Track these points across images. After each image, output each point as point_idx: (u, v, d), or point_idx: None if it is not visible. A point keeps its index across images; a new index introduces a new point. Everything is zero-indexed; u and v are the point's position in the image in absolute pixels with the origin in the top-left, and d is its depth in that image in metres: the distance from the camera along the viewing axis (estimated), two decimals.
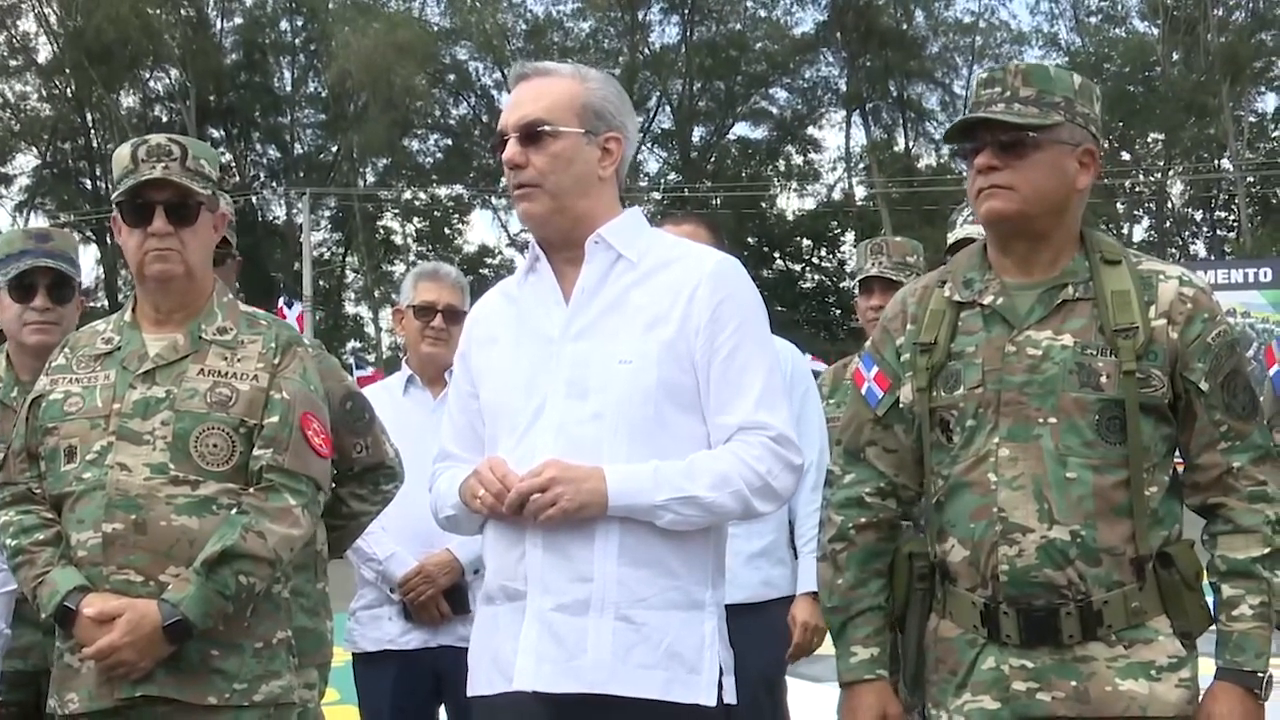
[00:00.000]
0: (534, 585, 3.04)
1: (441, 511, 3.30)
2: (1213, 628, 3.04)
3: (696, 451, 3.08)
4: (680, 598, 3.07)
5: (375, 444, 4.06)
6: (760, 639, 4.61)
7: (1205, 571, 3.05)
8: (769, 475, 3.08)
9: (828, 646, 4.19)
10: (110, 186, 3.66)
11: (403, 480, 4.18)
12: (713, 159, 56.48)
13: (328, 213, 55.35)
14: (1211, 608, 3.04)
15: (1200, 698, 3.01)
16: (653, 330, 3.09)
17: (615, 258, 3.16)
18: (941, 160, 52.72)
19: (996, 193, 3.04)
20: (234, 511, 3.42)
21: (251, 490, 3.47)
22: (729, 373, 3.10)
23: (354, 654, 4.90)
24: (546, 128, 3.12)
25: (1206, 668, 3.03)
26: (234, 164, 54.12)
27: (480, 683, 3.17)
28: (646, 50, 55.03)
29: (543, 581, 3.03)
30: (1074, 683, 2.97)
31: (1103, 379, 2.99)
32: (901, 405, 3.18)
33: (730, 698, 3.13)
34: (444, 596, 4.73)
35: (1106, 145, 49.69)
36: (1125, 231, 51.17)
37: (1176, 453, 3.11)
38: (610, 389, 3.06)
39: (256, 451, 3.48)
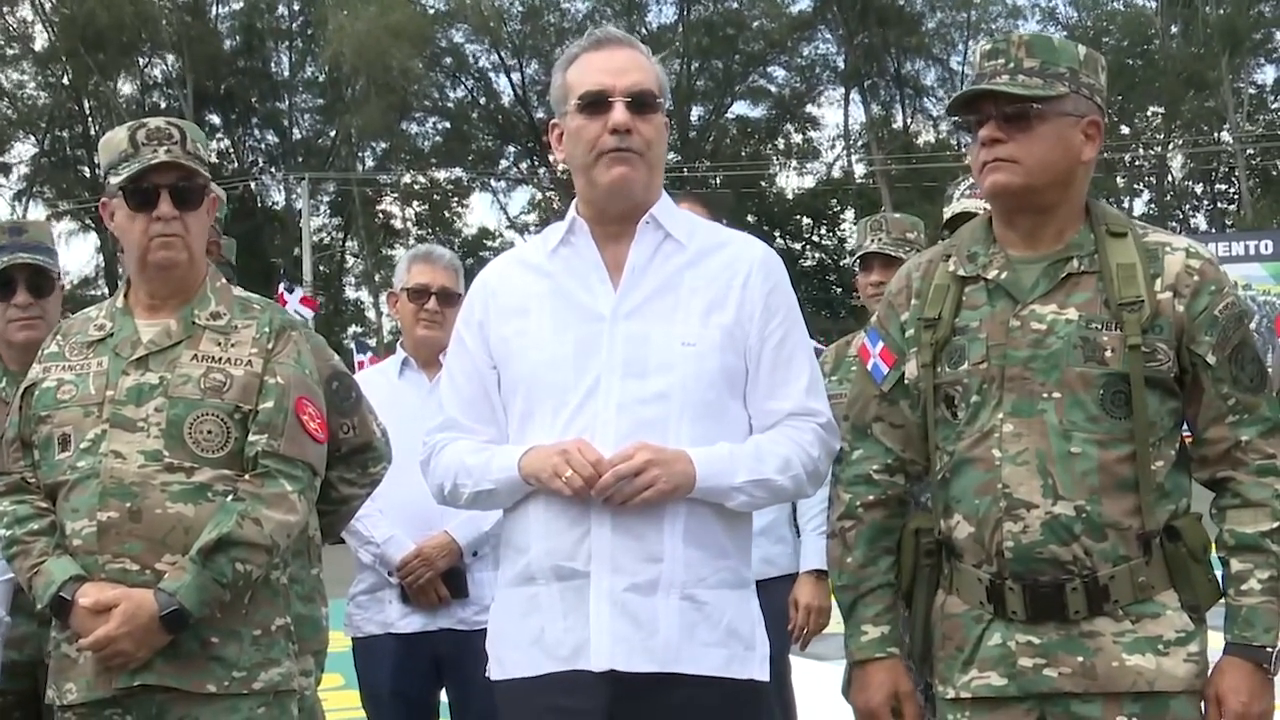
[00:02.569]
0: (600, 565, 3.03)
1: (477, 485, 3.19)
2: (1221, 602, 3.02)
3: (739, 435, 3.12)
4: (732, 577, 3.12)
5: (362, 424, 4.00)
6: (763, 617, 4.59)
7: (1214, 545, 3.03)
8: (819, 460, 3.16)
9: (832, 625, 4.17)
10: None
11: (390, 461, 4.13)
12: (711, 138, 56.46)
13: (327, 197, 55.40)
14: (1220, 582, 3.02)
15: (1209, 672, 2.99)
16: (712, 315, 3.12)
17: (663, 238, 3.17)
18: (940, 136, 52.79)
19: (1000, 166, 3.01)
20: (230, 498, 3.39)
21: (247, 476, 3.44)
22: (779, 360, 3.15)
23: (354, 638, 4.89)
24: (659, 100, 3.15)
25: (1217, 641, 3.00)
26: (232, 150, 54.10)
27: (517, 664, 3.14)
28: (644, 30, 54.87)
29: (612, 561, 3.03)
30: (1081, 658, 2.95)
31: (1107, 353, 2.96)
32: (907, 381, 3.16)
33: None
34: (442, 580, 4.71)
35: (1105, 119, 49.52)
36: (1126, 205, 51.14)
37: (1184, 426, 3.08)
38: (674, 370, 3.07)
39: (252, 437, 3.45)
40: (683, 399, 3.06)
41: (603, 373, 3.07)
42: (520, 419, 3.17)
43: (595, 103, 3.11)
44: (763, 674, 3.13)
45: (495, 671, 3.19)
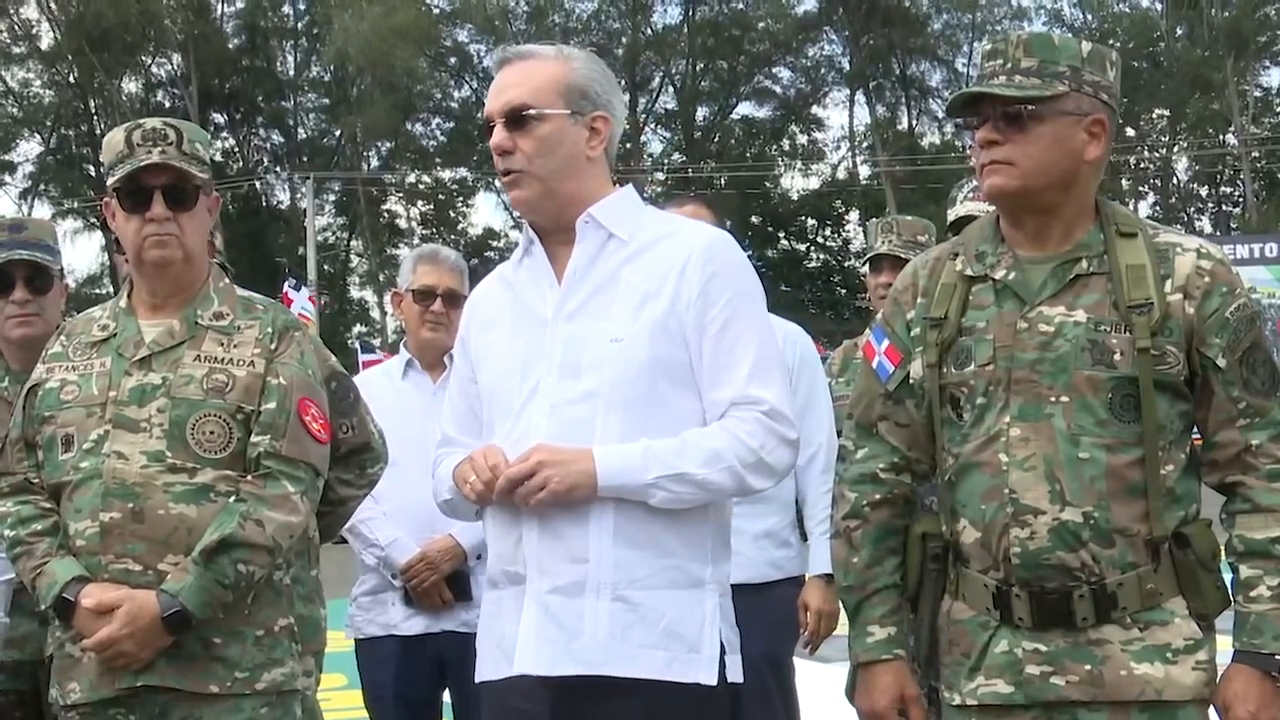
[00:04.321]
0: (531, 568, 3.03)
1: (440, 496, 3.30)
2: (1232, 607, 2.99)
3: (682, 427, 3.05)
4: (679, 576, 3.05)
5: (360, 424, 3.99)
6: (766, 620, 4.58)
7: (1223, 551, 2.99)
8: (762, 450, 3.05)
9: (838, 627, 4.15)
10: None
11: (387, 461, 4.12)
12: (716, 139, 56.51)
13: (332, 197, 55.43)
14: (1229, 588, 2.99)
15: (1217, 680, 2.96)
16: (644, 308, 3.07)
17: (606, 237, 3.14)
18: (945, 138, 52.76)
19: (997, 168, 2.98)
20: (232, 499, 3.39)
21: (249, 477, 3.43)
22: (720, 347, 3.07)
23: (356, 640, 4.88)
24: (531, 111, 3.09)
25: (1227, 645, 2.98)
26: (237, 149, 54.16)
27: (487, 668, 3.16)
28: (649, 30, 55.01)
29: (539, 564, 3.02)
30: (1088, 666, 2.92)
31: (1116, 356, 2.93)
32: (912, 380, 3.12)
33: (735, 676, 3.11)
34: (446, 582, 4.71)
35: (1117, 116, 49.55)
36: (1131, 208, 50.86)
37: (1194, 429, 3.04)
38: (602, 368, 3.04)
39: (254, 438, 3.45)
40: (609, 396, 3.03)
41: (542, 376, 3.09)
42: (487, 428, 3.21)
43: (488, 129, 3.15)
44: (710, 677, 3.03)
45: (476, 674, 3.22)
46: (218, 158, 50.98)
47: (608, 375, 3.03)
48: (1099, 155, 3.02)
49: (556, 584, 3.00)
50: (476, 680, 3.21)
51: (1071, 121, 2.98)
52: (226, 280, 3.69)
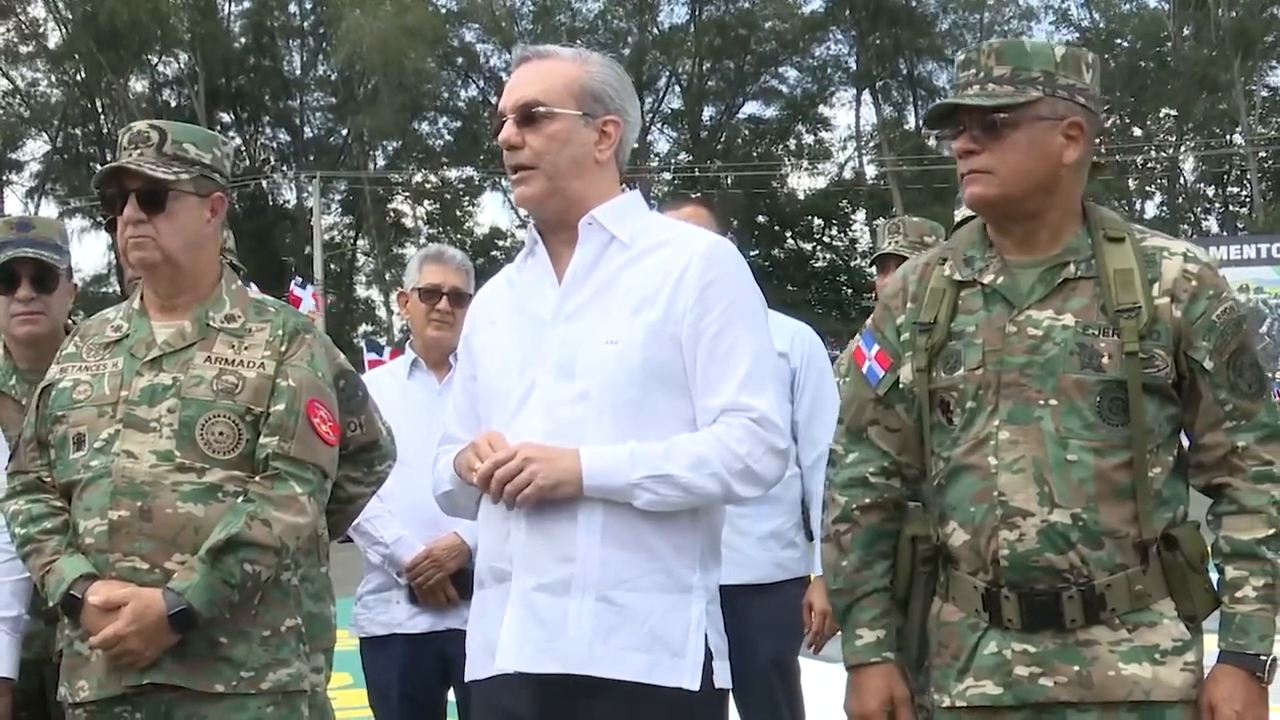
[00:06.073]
0: (518, 566, 3.05)
1: (439, 489, 3.33)
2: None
3: (672, 431, 3.07)
4: (666, 580, 3.06)
5: (369, 422, 4.01)
6: (771, 620, 4.60)
7: (1210, 553, 3.01)
8: (749, 458, 3.06)
9: None
10: None
11: (395, 458, 4.14)
12: (723, 138, 56.44)
13: (338, 196, 55.45)
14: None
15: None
16: (640, 312, 3.09)
17: (608, 240, 3.16)
18: None
19: (976, 178, 3.00)
20: (240, 500, 3.42)
21: (258, 478, 3.46)
22: (714, 355, 3.08)
23: (361, 638, 4.90)
24: (541, 109, 3.13)
25: (1214, 645, 3.00)
26: (244, 148, 54.16)
27: (475, 666, 3.18)
28: (655, 30, 54.97)
29: (526, 562, 3.04)
30: (1077, 667, 2.94)
31: (1104, 360, 2.95)
32: (902, 385, 3.14)
33: (722, 682, 3.12)
34: (451, 580, 4.72)
35: (1118, 121, 49.71)
36: (1138, 208, 51.12)
37: (1183, 432, 3.06)
38: (597, 370, 3.06)
39: (263, 439, 3.47)
40: (602, 398, 3.05)
41: (538, 376, 3.11)
42: (484, 426, 3.23)
43: (500, 125, 3.19)
44: (692, 682, 3.02)
45: (466, 673, 3.24)
46: None
47: (601, 378, 3.06)
48: (1078, 158, 3.03)
49: (541, 581, 3.02)
50: (466, 679, 3.22)
51: (1047, 126, 2.99)
52: (239, 282, 3.72)
